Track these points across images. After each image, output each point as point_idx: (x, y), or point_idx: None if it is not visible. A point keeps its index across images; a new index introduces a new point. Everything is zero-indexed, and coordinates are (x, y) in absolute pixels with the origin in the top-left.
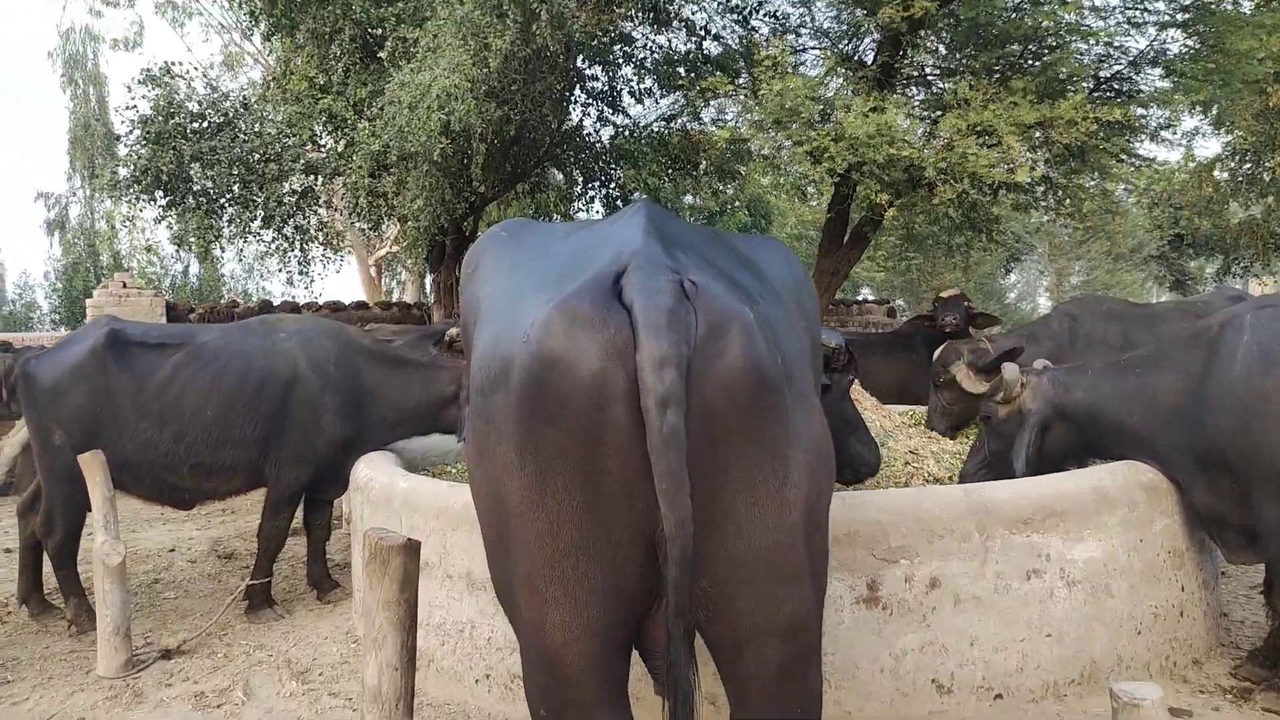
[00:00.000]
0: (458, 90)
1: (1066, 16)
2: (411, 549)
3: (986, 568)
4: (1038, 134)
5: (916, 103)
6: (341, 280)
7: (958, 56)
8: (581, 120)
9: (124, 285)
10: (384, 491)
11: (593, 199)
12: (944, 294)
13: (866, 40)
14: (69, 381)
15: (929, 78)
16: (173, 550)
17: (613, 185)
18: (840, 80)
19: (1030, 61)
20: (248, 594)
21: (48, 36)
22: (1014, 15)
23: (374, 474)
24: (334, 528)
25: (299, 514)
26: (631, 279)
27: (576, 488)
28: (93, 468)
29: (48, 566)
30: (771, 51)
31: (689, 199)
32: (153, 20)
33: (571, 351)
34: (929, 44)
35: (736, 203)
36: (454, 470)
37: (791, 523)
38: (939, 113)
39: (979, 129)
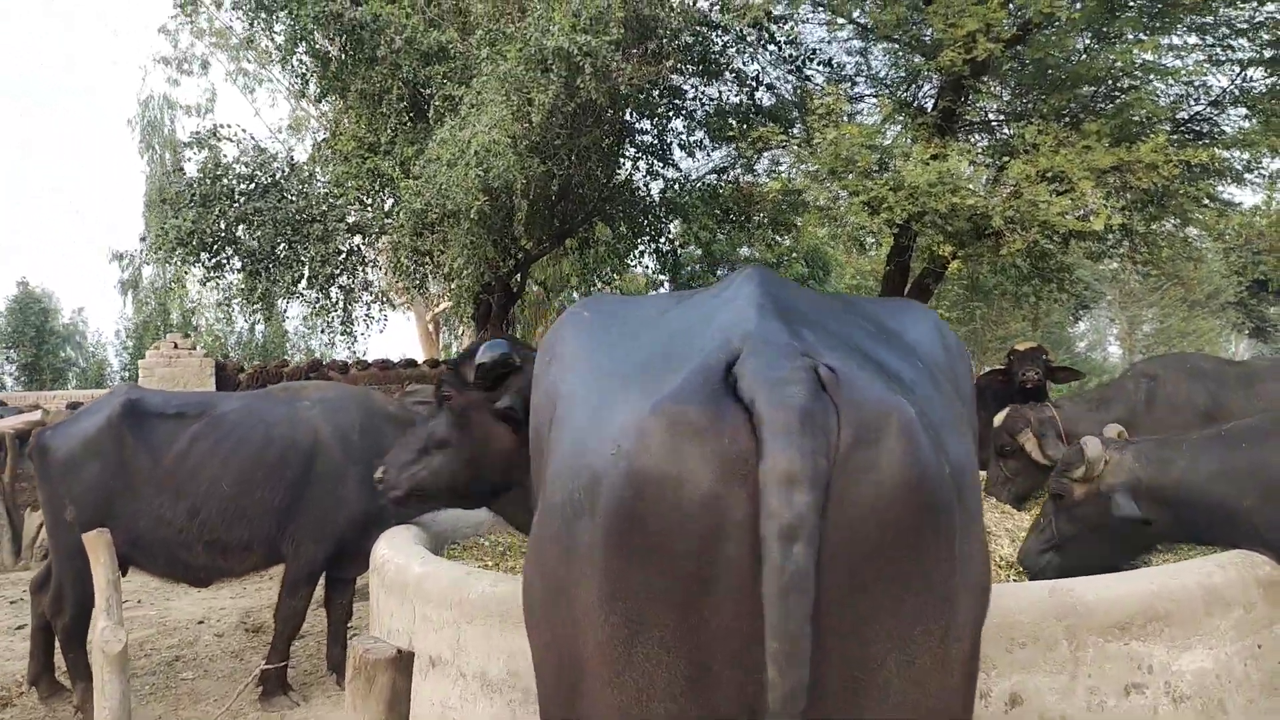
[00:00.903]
0: (497, 146)
1: (1143, 55)
2: (402, 663)
3: (1077, 682)
4: (1114, 179)
5: (980, 149)
6: (399, 337)
7: (1024, 100)
8: (630, 174)
9: (175, 346)
10: (398, 576)
11: (643, 253)
12: (1020, 346)
13: (925, 87)
14: (82, 454)
15: (993, 123)
16: (201, 622)
17: (663, 239)
18: (899, 128)
19: (1103, 104)
20: (262, 679)
21: (127, 104)
22: (1084, 56)
23: (391, 554)
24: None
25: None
26: (748, 368)
27: (675, 648)
28: (97, 547)
29: None
30: (826, 99)
31: (745, 251)
32: (224, 87)
33: (675, 469)
34: (993, 88)
35: (793, 254)
36: (486, 542)
37: (953, 687)
38: (1005, 159)
39: (1050, 175)
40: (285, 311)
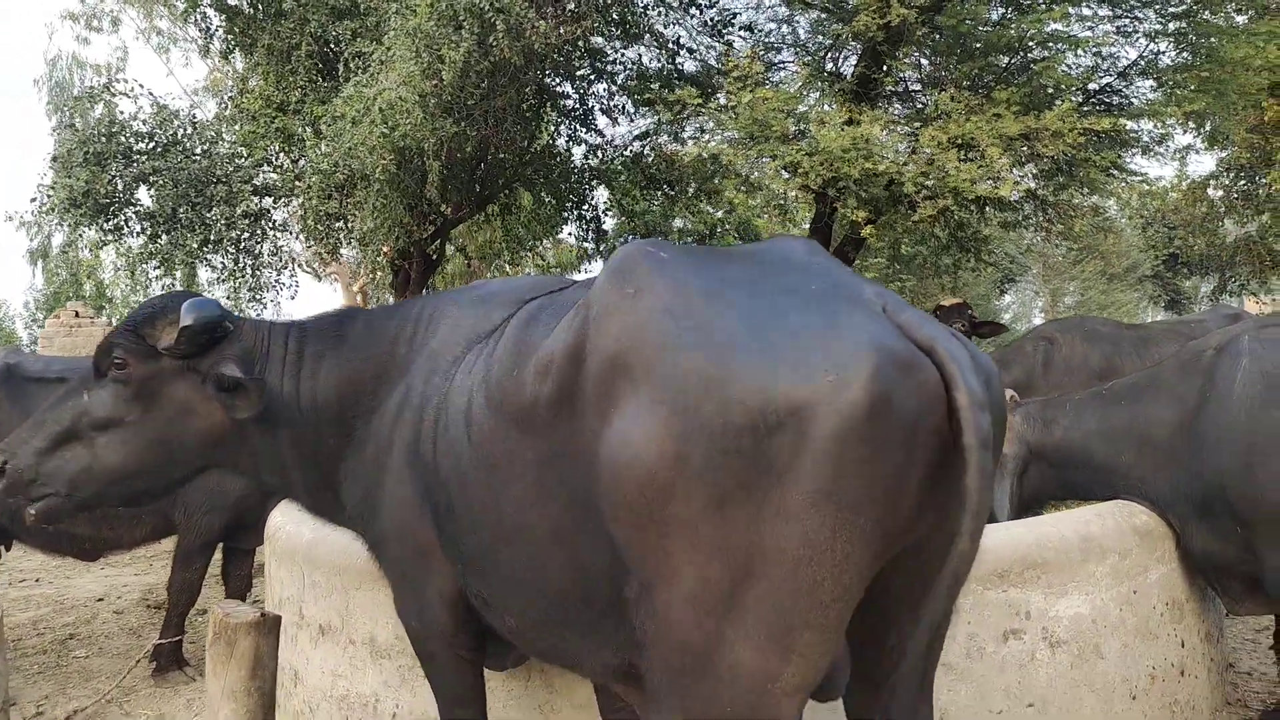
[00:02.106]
0: (404, 103)
1: (1052, 25)
2: (265, 627)
3: (957, 629)
4: (1024, 148)
5: (897, 117)
6: (326, 306)
7: (940, 68)
8: (553, 139)
9: (76, 315)
10: (288, 543)
11: (566, 220)
12: (945, 302)
13: (846, 54)
14: None
15: (912, 92)
16: (101, 599)
17: (586, 207)
18: (818, 94)
19: (1015, 74)
20: (156, 654)
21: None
22: (998, 26)
23: (283, 521)
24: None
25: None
26: (912, 321)
27: (870, 531)
28: None
29: None
30: (741, 62)
31: (677, 222)
32: (136, 46)
33: (894, 394)
34: (910, 56)
35: (726, 225)
36: None
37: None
38: (919, 126)
39: (960, 142)
40: (194, 278)
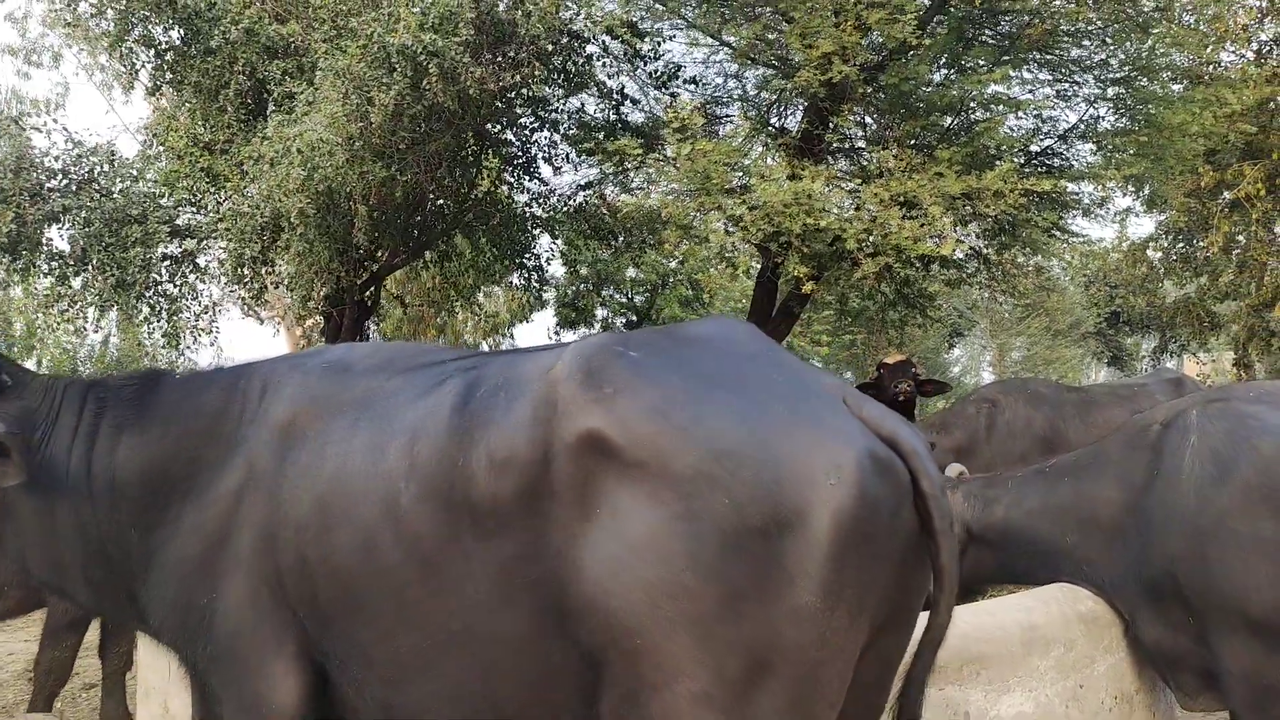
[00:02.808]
0: (325, 145)
1: (993, 86)
2: None
3: None
4: (966, 207)
5: (840, 173)
6: (273, 349)
7: (883, 127)
8: (494, 186)
9: None
10: None
11: (508, 269)
12: (888, 359)
13: (793, 110)
14: None
15: (856, 148)
16: None
17: (528, 256)
18: (761, 149)
19: (957, 134)
20: None
21: None
22: (939, 86)
23: None
24: None
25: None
26: (874, 416)
27: (873, 621)
28: None
29: None
30: (681, 114)
31: (631, 272)
32: (78, 82)
33: (879, 492)
34: (854, 114)
35: (678, 275)
36: None
37: None
38: (863, 183)
39: (903, 200)
40: (118, 322)
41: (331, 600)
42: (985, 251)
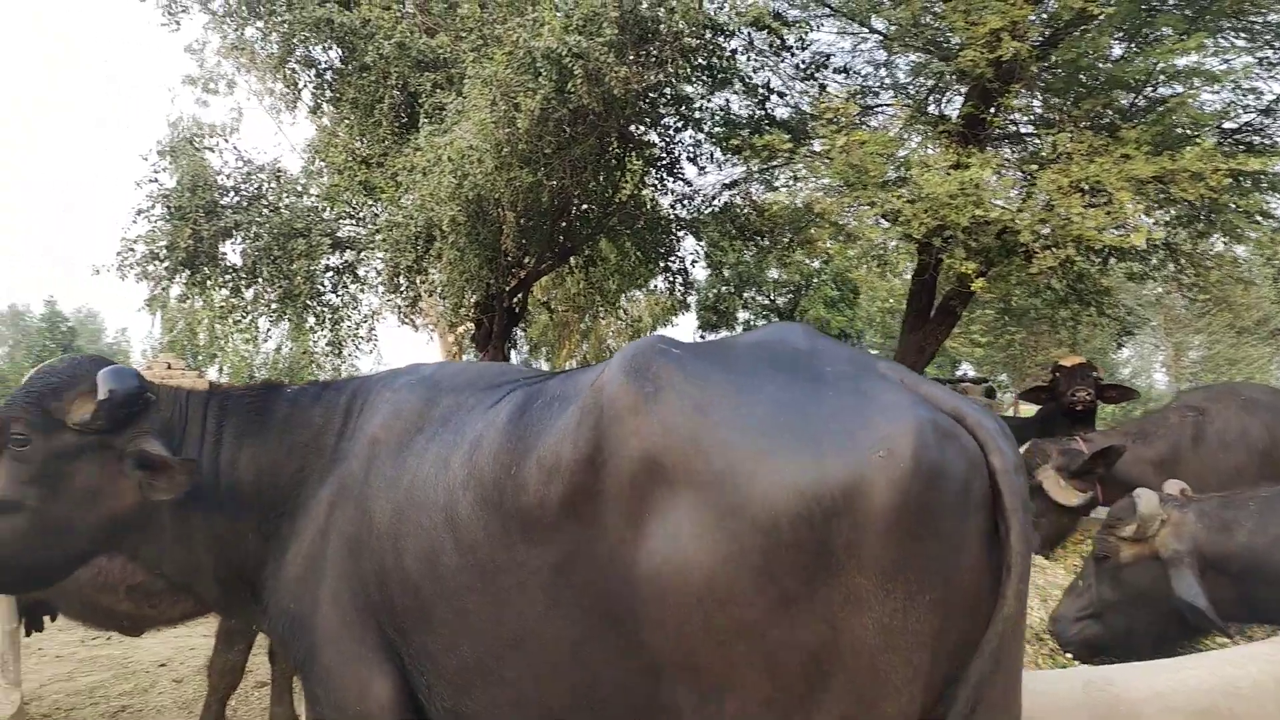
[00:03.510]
0: (474, 153)
1: (1184, 59)
2: None
3: None
4: (1155, 191)
5: (1008, 160)
6: (425, 358)
7: (1056, 107)
8: (638, 189)
9: (168, 366)
10: None
11: (653, 272)
12: (1065, 361)
13: (950, 96)
14: None
15: (1023, 134)
16: (163, 665)
17: (673, 258)
18: (920, 138)
19: (1141, 111)
20: None
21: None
22: (1120, 61)
23: None
24: None
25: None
26: (936, 394)
27: (939, 605)
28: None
29: None
30: (835, 104)
31: (772, 273)
32: (250, 107)
33: (943, 462)
34: (1021, 94)
35: (822, 276)
36: None
37: None
38: (1036, 169)
39: (1084, 186)
40: (288, 331)
41: (405, 607)
42: (1176, 241)
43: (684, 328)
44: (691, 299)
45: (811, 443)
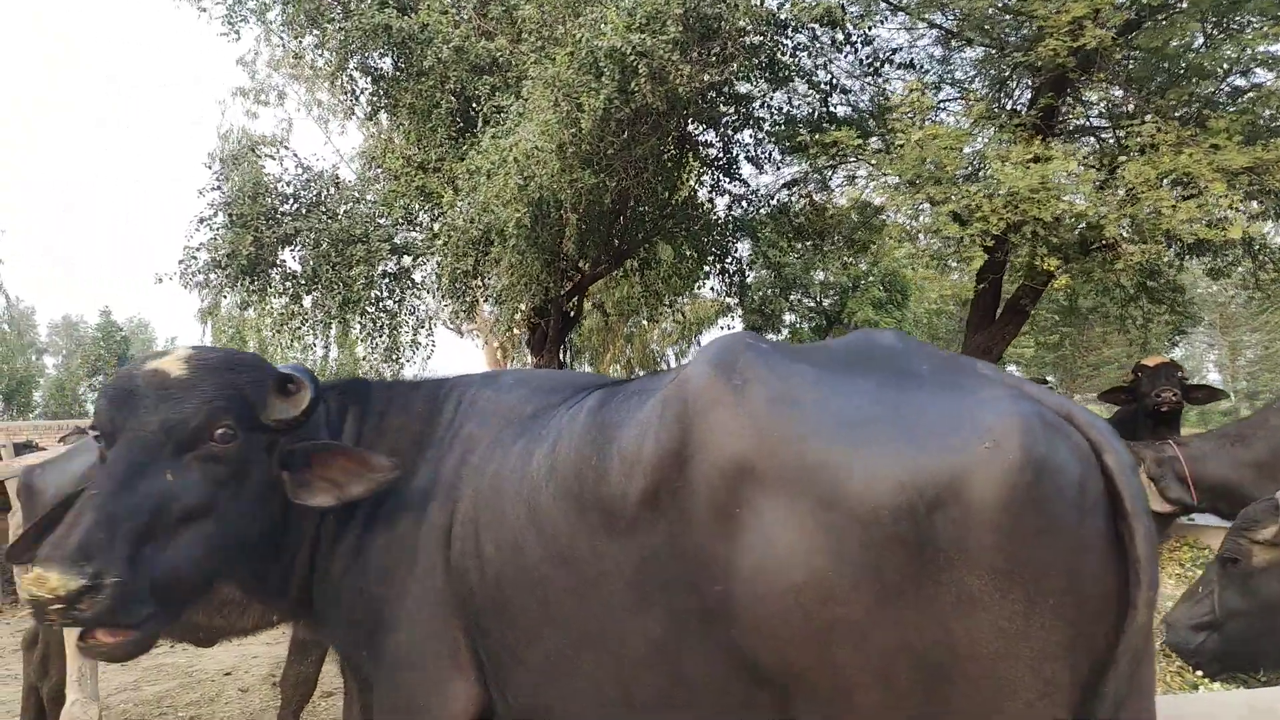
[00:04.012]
0: (540, 153)
1: (1276, 45)
2: None
3: None
4: (1250, 183)
5: (1088, 153)
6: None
7: (1138, 96)
8: (694, 190)
9: None
10: None
11: (708, 275)
12: (1149, 361)
13: (1017, 90)
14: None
15: (1095, 125)
16: (229, 674)
17: (729, 260)
18: (989, 132)
19: (1226, 100)
20: None
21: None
22: (1206, 46)
23: None
24: None
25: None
26: (1040, 392)
27: (1064, 612)
28: None
29: None
30: (911, 96)
31: (819, 275)
32: (299, 119)
33: (1055, 457)
34: (1099, 84)
35: (870, 277)
36: None
37: None
38: (1121, 159)
39: (1172, 178)
40: (346, 335)
41: (488, 598)
42: (1261, 236)
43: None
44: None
45: (911, 434)
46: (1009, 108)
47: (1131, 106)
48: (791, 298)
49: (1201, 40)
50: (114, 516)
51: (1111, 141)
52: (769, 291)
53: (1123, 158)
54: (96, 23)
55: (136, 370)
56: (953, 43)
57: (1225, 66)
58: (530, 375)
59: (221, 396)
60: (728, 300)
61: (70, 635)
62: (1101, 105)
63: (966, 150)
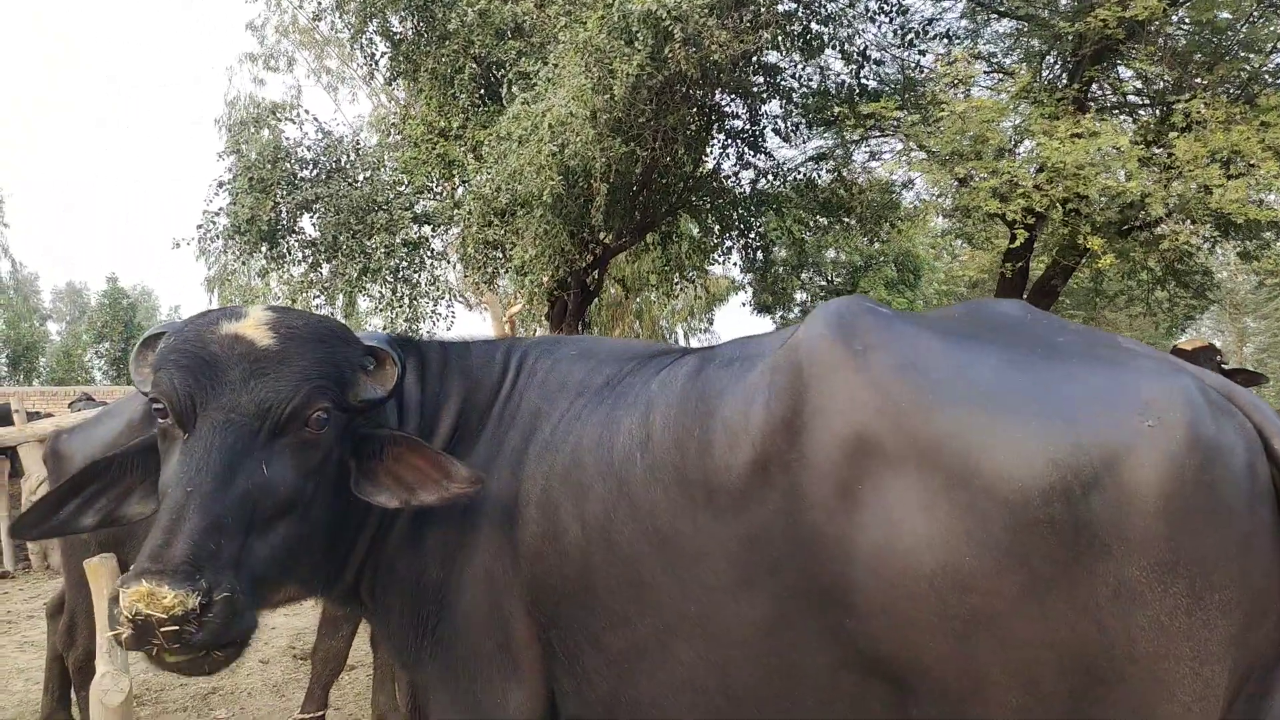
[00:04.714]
0: (574, 120)
1: None
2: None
3: None
4: None
5: (1127, 128)
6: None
7: (1184, 71)
8: (719, 162)
9: None
10: None
11: (730, 250)
12: (1185, 345)
13: (1060, 61)
14: None
15: (1131, 101)
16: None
17: (752, 235)
18: (1025, 107)
19: (1274, 76)
20: None
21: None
22: (1256, 19)
23: None
24: None
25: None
26: (1196, 369)
27: (1231, 609)
28: (100, 576)
29: None
30: (955, 66)
31: (830, 253)
32: (308, 85)
33: (1221, 438)
34: (1146, 57)
35: (882, 256)
36: None
37: None
38: (1167, 137)
39: (1224, 156)
40: (353, 307)
41: (566, 580)
42: None
43: (733, 309)
44: (748, 278)
45: (1060, 407)
46: (1050, 80)
47: (1172, 81)
48: (803, 275)
49: (1248, 16)
50: (219, 519)
51: (1146, 118)
52: (780, 269)
53: (1172, 134)
54: (96, 23)
55: (210, 334)
56: (979, 15)
57: (1275, 43)
58: (592, 343)
59: (319, 374)
60: (737, 277)
61: (100, 604)
62: (1138, 81)
63: (1004, 125)
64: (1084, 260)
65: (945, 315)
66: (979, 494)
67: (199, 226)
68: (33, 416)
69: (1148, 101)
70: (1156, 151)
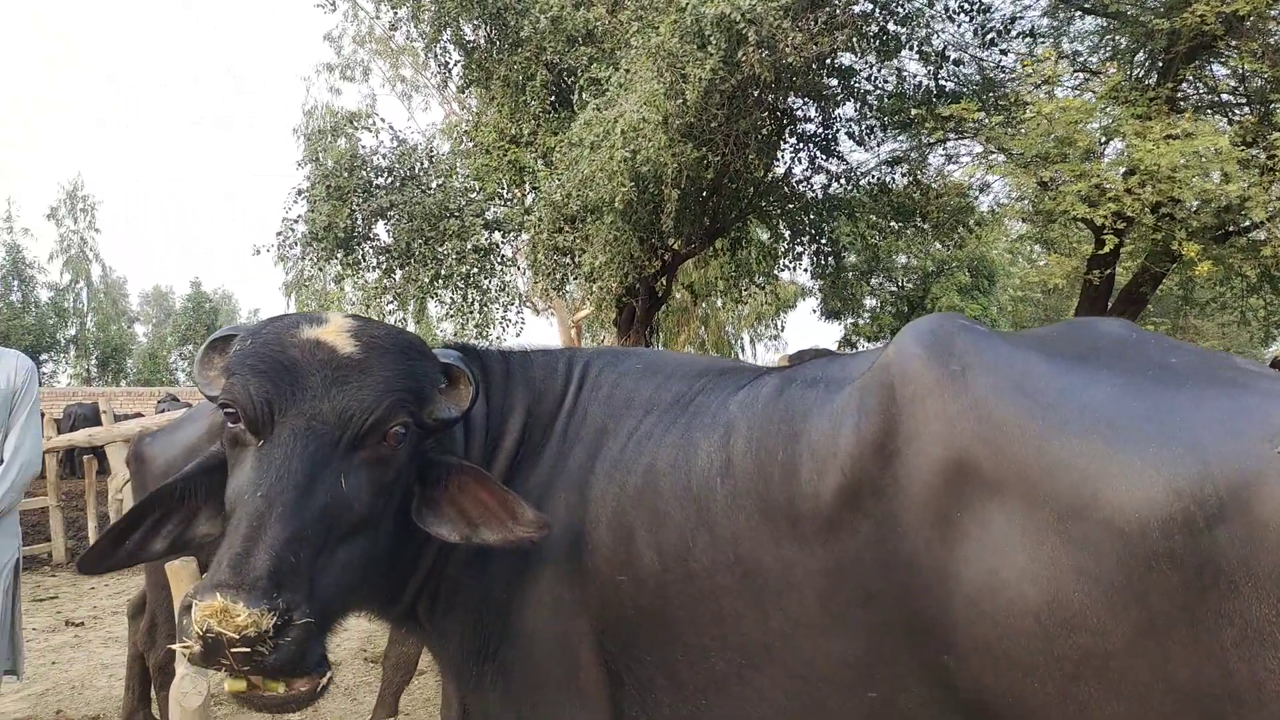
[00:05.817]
0: (646, 125)
1: None
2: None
3: None
4: None
5: (1223, 129)
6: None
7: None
8: (790, 167)
9: None
10: None
11: (801, 256)
12: None
13: (1150, 60)
14: (184, 465)
15: (1225, 102)
16: None
17: (824, 241)
18: (1112, 107)
19: None
20: None
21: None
22: None
23: None
24: None
25: None
26: None
27: None
28: (181, 578)
29: None
30: (1043, 64)
31: (901, 259)
32: (383, 95)
33: None
34: (1246, 53)
35: (956, 262)
36: None
37: None
38: (1271, 137)
39: None
40: (424, 312)
41: (640, 611)
42: None
43: (801, 314)
44: (817, 284)
45: (1180, 433)
46: (1138, 79)
47: (1272, 79)
48: (873, 281)
49: None
50: (301, 532)
51: (1241, 117)
52: (851, 274)
53: (1273, 133)
54: (96, 23)
55: (290, 339)
56: (1062, 13)
57: None
58: (655, 357)
59: (401, 386)
60: (806, 283)
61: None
62: (1233, 79)
63: (1092, 126)
64: (1174, 266)
65: (1044, 335)
66: (1092, 526)
67: (278, 234)
68: (119, 418)
69: (1244, 100)
70: (1255, 153)
